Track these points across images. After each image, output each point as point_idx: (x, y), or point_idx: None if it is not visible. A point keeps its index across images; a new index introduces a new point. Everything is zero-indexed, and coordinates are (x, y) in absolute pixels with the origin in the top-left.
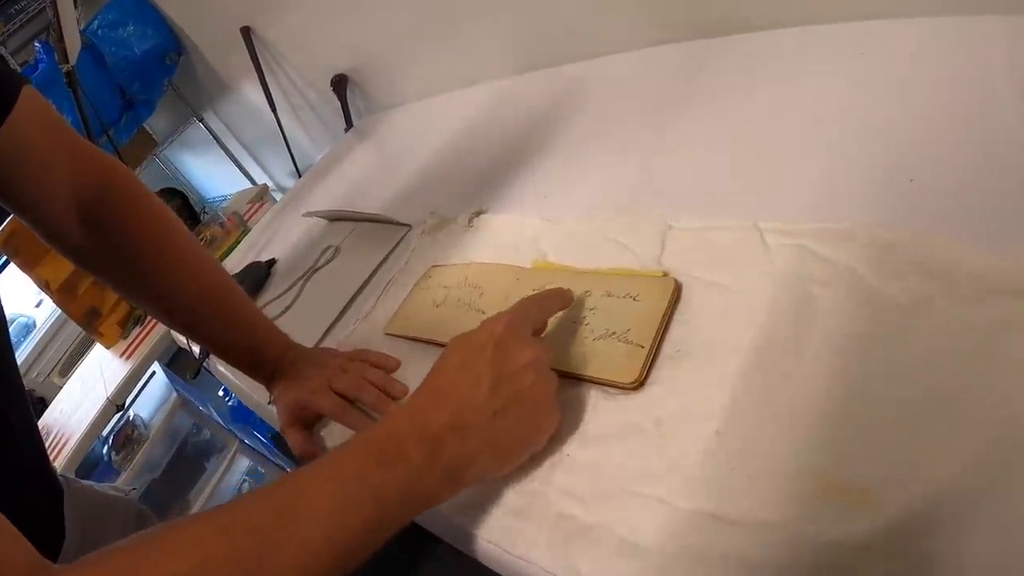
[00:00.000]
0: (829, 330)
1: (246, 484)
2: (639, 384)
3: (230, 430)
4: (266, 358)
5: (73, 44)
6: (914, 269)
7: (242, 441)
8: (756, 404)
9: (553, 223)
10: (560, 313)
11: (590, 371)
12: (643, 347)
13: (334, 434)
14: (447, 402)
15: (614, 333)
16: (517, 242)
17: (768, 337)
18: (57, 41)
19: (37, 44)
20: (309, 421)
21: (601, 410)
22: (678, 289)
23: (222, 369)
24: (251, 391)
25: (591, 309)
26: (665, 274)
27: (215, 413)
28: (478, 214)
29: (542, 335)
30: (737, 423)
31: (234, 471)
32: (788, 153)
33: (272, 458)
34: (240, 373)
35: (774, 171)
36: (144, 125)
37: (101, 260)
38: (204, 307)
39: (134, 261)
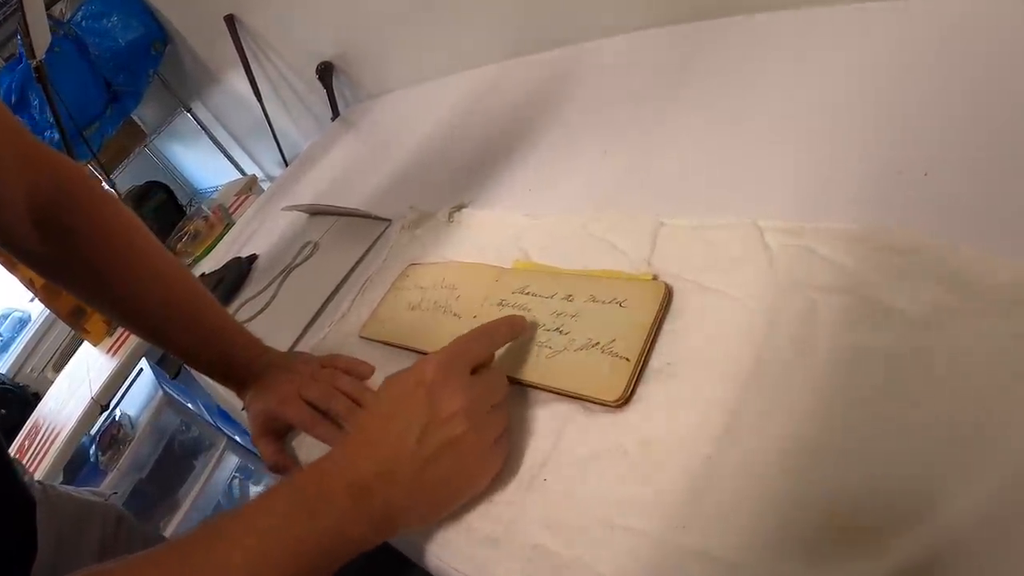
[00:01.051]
0: (835, 344)
1: (236, 481)
2: (624, 401)
3: (218, 427)
4: (236, 365)
5: (41, 38)
6: (930, 277)
7: (230, 438)
8: (752, 427)
9: (537, 220)
10: (537, 322)
11: (570, 386)
12: (629, 360)
13: (306, 444)
14: (376, 450)
15: (597, 343)
16: (498, 240)
17: (767, 351)
18: (24, 36)
19: (19, 39)
20: (280, 431)
21: (581, 429)
22: (668, 294)
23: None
24: (227, 395)
25: (572, 316)
26: (655, 278)
27: (203, 410)
28: (459, 208)
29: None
30: (731, 449)
31: (223, 468)
32: (790, 145)
33: None
34: None
35: (774, 164)
36: (133, 116)
37: (59, 267)
38: (168, 313)
39: (91, 266)
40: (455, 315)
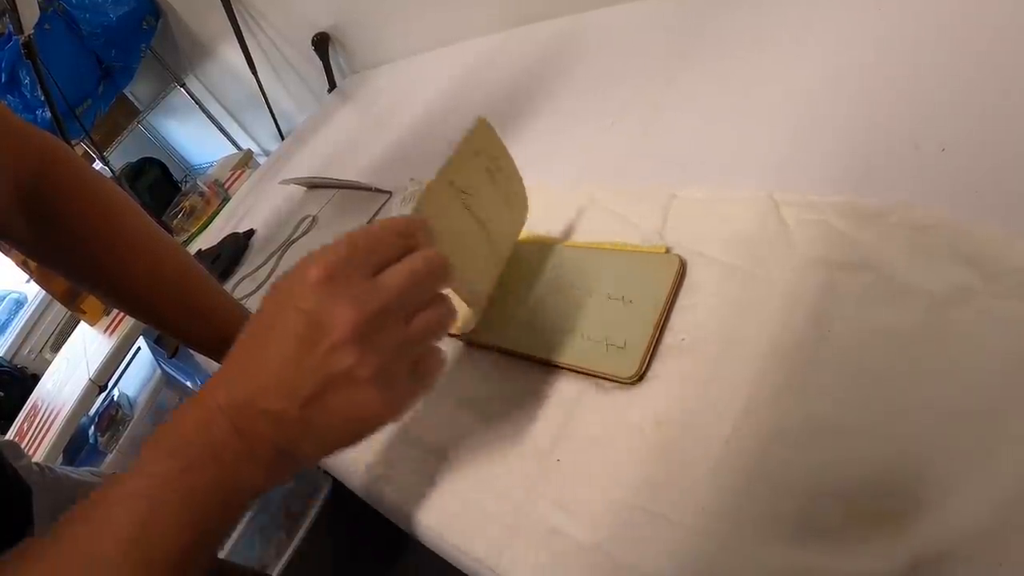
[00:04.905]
0: (853, 322)
1: None
2: (638, 378)
3: None
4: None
5: (28, 13)
6: (948, 255)
7: None
8: (768, 407)
9: (541, 190)
10: (546, 292)
11: (582, 362)
12: (643, 336)
13: None
14: (256, 375)
15: (610, 318)
16: None
17: (783, 328)
18: (12, 11)
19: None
20: None
21: (594, 407)
22: (682, 268)
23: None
24: None
25: (583, 289)
26: (668, 250)
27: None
28: None
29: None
30: (747, 429)
31: None
32: (805, 115)
33: None
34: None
35: (787, 135)
36: (126, 93)
37: (48, 249)
38: (161, 291)
39: (81, 247)
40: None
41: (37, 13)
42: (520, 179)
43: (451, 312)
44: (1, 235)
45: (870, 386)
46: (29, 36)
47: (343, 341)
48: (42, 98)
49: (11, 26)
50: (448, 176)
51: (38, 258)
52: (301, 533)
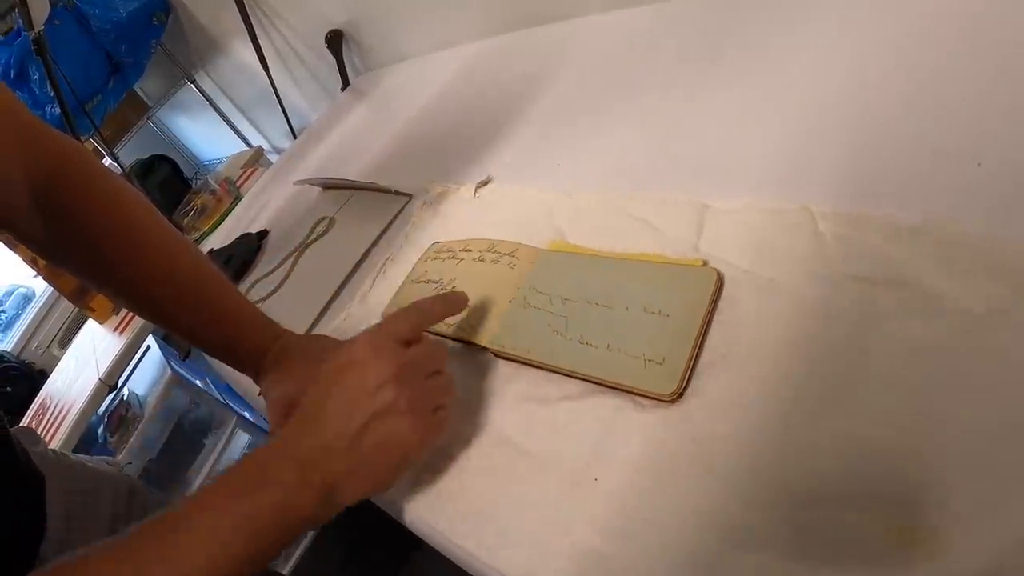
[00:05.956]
0: (890, 339)
1: None
2: (677, 396)
3: (227, 404)
4: (251, 350)
5: (39, 9)
6: (985, 273)
7: (240, 416)
8: (808, 426)
9: (570, 197)
10: (579, 304)
11: (619, 378)
12: (682, 352)
13: None
14: (315, 425)
15: (648, 333)
16: (530, 218)
17: (821, 346)
18: (22, 6)
19: (17, 12)
20: None
21: (632, 425)
22: (720, 282)
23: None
24: (240, 377)
25: (620, 304)
26: (705, 263)
27: (211, 388)
28: (485, 184)
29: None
30: (787, 449)
31: (234, 447)
32: (836, 123)
33: None
34: None
35: (819, 144)
36: (135, 88)
37: (61, 249)
38: (175, 293)
39: (93, 247)
40: (487, 297)
41: (47, 9)
42: None
43: (451, 382)
44: (17, 234)
45: (906, 404)
46: (39, 33)
47: (385, 384)
48: (51, 94)
49: (21, 22)
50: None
51: (52, 257)
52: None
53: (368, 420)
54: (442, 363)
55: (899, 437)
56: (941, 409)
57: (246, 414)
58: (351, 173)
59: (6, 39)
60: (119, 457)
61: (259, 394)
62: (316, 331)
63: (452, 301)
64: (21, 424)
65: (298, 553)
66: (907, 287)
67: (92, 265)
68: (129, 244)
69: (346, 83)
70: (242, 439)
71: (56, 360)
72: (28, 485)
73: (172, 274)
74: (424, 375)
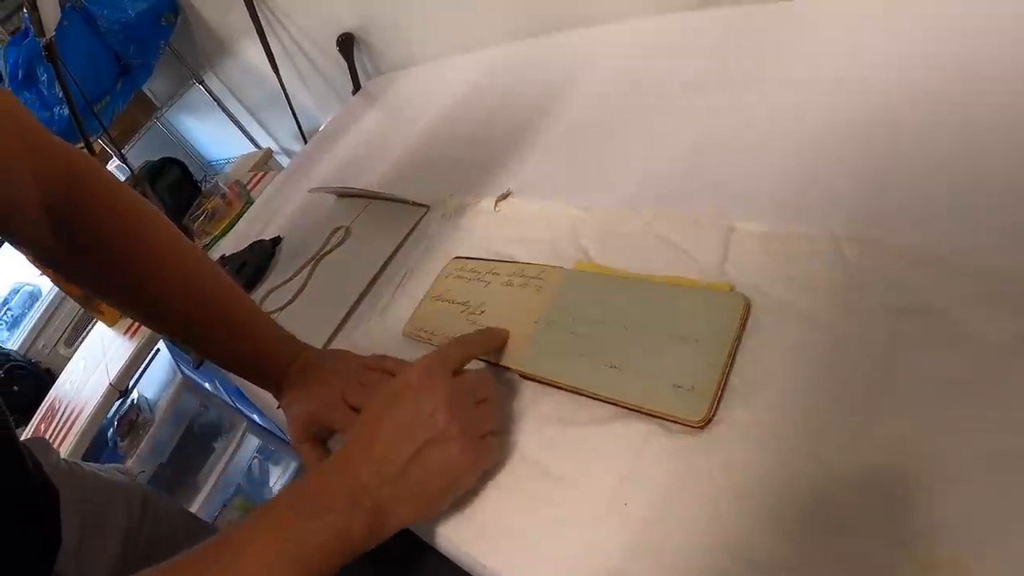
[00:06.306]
0: (917, 369)
1: (256, 462)
2: (706, 422)
3: (237, 408)
4: (271, 366)
5: (50, 15)
6: (1014, 305)
7: (251, 420)
8: (836, 456)
9: (592, 214)
10: (606, 326)
11: (648, 403)
12: (711, 378)
13: None
14: (369, 451)
15: (677, 358)
16: (553, 235)
17: (848, 375)
18: (32, 11)
19: (25, 12)
20: (322, 435)
21: (661, 450)
22: (748, 308)
23: None
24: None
25: (648, 327)
26: (732, 288)
27: (221, 391)
28: (505, 197)
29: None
30: (814, 478)
31: (244, 451)
32: (863, 145)
33: (282, 436)
34: None
35: (846, 166)
36: (143, 89)
37: (77, 265)
38: (192, 309)
39: (109, 263)
40: (514, 318)
41: (58, 14)
42: None
43: (501, 409)
44: (32, 251)
45: (933, 436)
46: (50, 39)
47: (437, 410)
48: (60, 95)
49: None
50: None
51: (67, 274)
52: None
53: (421, 446)
54: (490, 390)
55: (926, 469)
56: (967, 443)
57: (255, 417)
58: (365, 179)
59: (13, 39)
60: (130, 463)
61: (278, 407)
62: (335, 344)
63: (495, 336)
64: (30, 426)
65: None
66: (932, 317)
67: (108, 281)
68: (145, 260)
69: (357, 87)
70: (252, 443)
71: (63, 359)
72: (43, 500)
73: (192, 292)
74: (474, 402)
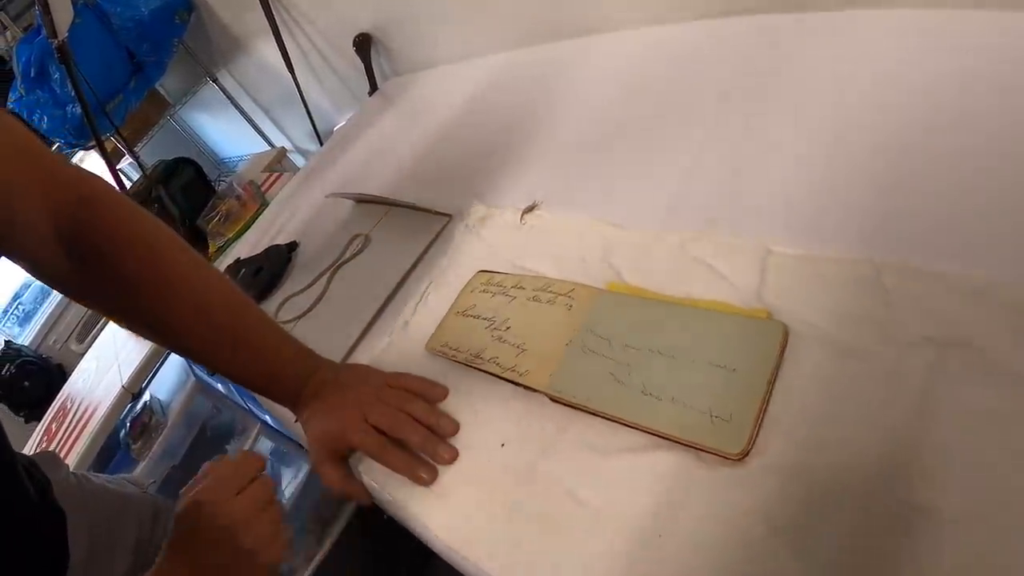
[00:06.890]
0: (958, 403)
1: (269, 465)
2: (744, 455)
3: (250, 410)
4: (287, 382)
5: (63, 16)
6: None
7: (264, 422)
8: (875, 491)
9: (623, 231)
10: (640, 351)
11: (684, 432)
12: (750, 409)
13: (373, 469)
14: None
15: (714, 388)
16: (583, 252)
17: (886, 407)
18: (44, 13)
19: (37, 10)
20: (343, 454)
21: (698, 483)
22: (787, 336)
23: None
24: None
25: (684, 354)
26: (769, 315)
27: (234, 393)
28: (531, 209)
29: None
30: (850, 513)
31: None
32: (902, 168)
33: (296, 439)
34: None
35: (884, 190)
36: (157, 87)
37: (90, 288)
38: (208, 332)
39: (122, 285)
40: (543, 339)
41: (71, 14)
42: None
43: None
44: (44, 276)
45: (971, 472)
46: (62, 41)
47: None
48: (72, 93)
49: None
50: None
51: (81, 297)
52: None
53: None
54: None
55: (963, 506)
56: (1006, 478)
57: (268, 419)
58: (382, 183)
59: (26, 37)
60: (139, 471)
61: (295, 421)
62: (354, 357)
63: (251, 465)
64: (41, 424)
65: (317, 560)
66: (973, 350)
67: (124, 305)
68: (160, 283)
69: (374, 87)
70: (266, 445)
71: (74, 355)
72: (48, 527)
73: (206, 311)
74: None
